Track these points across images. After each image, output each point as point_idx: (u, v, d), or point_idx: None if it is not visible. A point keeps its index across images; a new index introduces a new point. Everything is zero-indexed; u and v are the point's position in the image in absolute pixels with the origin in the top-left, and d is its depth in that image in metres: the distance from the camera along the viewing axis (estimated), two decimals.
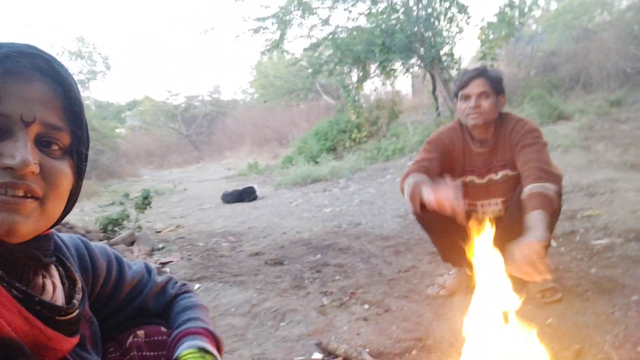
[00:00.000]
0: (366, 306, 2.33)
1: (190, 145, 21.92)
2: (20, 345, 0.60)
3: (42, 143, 0.64)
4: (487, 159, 2.18)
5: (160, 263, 3.43)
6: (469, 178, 2.21)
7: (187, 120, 22.98)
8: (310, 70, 11.20)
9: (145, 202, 4.08)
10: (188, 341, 0.86)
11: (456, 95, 2.18)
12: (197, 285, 2.94)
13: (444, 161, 2.16)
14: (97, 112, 19.11)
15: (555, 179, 1.86)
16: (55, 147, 0.65)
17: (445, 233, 2.25)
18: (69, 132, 0.67)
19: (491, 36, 9.00)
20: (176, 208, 7.01)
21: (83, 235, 3.66)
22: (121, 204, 6.98)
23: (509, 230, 2.12)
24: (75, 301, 0.74)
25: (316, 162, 9.38)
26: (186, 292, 1.01)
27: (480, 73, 2.10)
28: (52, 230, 0.79)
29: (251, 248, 3.76)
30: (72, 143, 0.68)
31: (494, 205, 2.22)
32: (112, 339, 0.90)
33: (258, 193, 6.90)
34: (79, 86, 0.70)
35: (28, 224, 0.62)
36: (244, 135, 17.59)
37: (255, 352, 1.96)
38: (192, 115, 23.17)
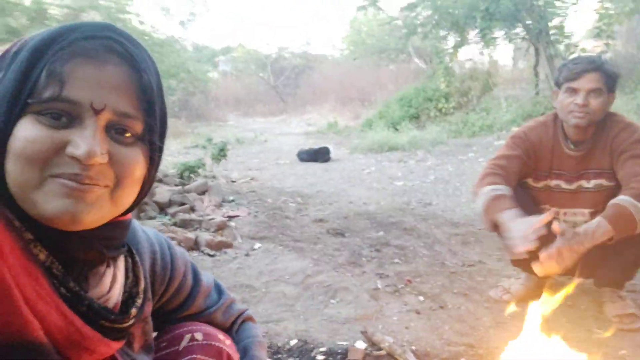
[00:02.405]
0: (421, 298, 2.24)
1: (276, 96, 22.22)
2: (48, 349, 0.57)
3: (115, 130, 0.61)
4: (579, 163, 1.93)
5: (228, 216, 3.54)
6: (554, 182, 1.98)
7: (276, 71, 23.20)
8: (404, 31, 10.71)
9: (220, 153, 4.19)
10: None
11: (558, 84, 1.93)
12: (257, 245, 3.00)
13: (528, 161, 1.95)
14: (193, 55, 19.75)
15: None
16: (128, 135, 0.62)
17: None
18: (142, 120, 0.62)
19: (612, 11, 8.00)
20: (254, 159, 7.19)
21: (160, 180, 3.84)
22: (203, 147, 7.30)
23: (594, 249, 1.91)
24: (133, 309, 0.70)
25: (396, 130, 9.12)
26: (249, 319, 1.03)
27: (597, 67, 1.82)
28: (133, 221, 0.76)
29: (316, 213, 3.76)
30: (144, 131, 0.63)
31: (580, 216, 1.99)
32: (166, 331, 0.88)
33: (332, 155, 6.87)
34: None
35: (93, 212, 0.59)
36: (328, 91, 17.46)
37: (300, 327, 1.96)
38: (281, 66, 23.33)
